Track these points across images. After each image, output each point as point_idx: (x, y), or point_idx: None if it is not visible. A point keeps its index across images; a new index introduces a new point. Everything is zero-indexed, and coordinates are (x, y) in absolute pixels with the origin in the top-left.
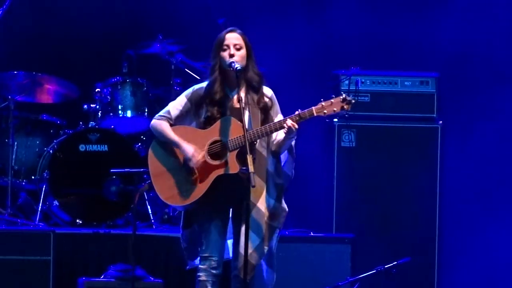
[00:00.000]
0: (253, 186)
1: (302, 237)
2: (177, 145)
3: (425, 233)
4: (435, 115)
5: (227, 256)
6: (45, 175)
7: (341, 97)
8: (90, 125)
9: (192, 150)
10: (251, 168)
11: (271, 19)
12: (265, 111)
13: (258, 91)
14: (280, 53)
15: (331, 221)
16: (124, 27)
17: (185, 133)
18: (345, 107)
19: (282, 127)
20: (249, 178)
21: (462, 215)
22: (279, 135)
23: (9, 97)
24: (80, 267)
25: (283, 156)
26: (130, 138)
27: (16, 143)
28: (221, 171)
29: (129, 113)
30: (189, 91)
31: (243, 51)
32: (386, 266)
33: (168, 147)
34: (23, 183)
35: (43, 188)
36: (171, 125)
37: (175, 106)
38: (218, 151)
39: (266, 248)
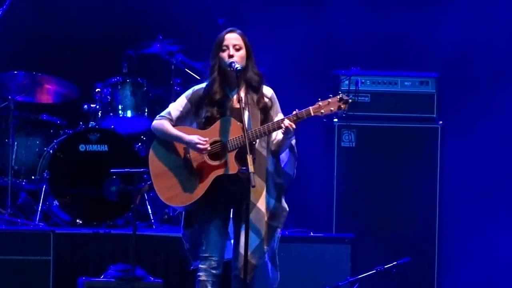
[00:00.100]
0: (253, 186)
1: (302, 237)
2: (180, 139)
3: (425, 233)
4: (435, 115)
5: (228, 257)
6: (45, 175)
7: (338, 97)
8: (90, 125)
9: (196, 139)
10: (251, 168)
11: (271, 19)
12: (265, 111)
13: (257, 91)
14: (280, 53)
15: (331, 221)
16: (124, 27)
17: (185, 133)
18: (342, 106)
19: (280, 127)
20: (249, 178)
21: (462, 215)
22: (279, 135)
23: (9, 97)
24: (80, 267)
25: (285, 156)
26: (130, 138)
27: (16, 143)
28: (220, 172)
29: (129, 113)
30: (189, 92)
31: (242, 52)
32: (386, 266)
33: (169, 147)
34: (23, 183)
35: (43, 188)
36: (172, 125)
37: (176, 107)
38: (217, 151)
39: (266, 248)
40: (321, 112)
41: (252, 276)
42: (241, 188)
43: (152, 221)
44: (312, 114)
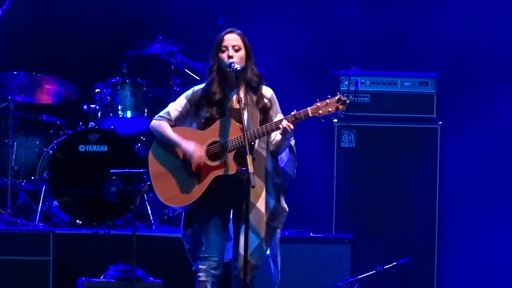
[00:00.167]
0: (253, 187)
1: (301, 238)
2: (177, 144)
3: (424, 233)
4: (434, 116)
5: (228, 257)
6: (44, 175)
7: (336, 98)
8: (89, 126)
9: (193, 146)
10: (250, 169)
11: (271, 19)
12: (264, 111)
13: (257, 91)
14: (280, 53)
15: (331, 222)
16: (124, 27)
17: (184, 134)
18: (340, 107)
19: (279, 128)
20: (248, 178)
21: (462, 215)
22: (278, 136)
23: (9, 97)
24: (80, 268)
25: (285, 156)
26: (130, 139)
27: (16, 143)
28: (219, 172)
29: (128, 114)
30: (188, 92)
31: (242, 52)
32: (385, 267)
33: (168, 148)
34: (23, 184)
35: (43, 189)
36: (171, 126)
37: (175, 107)
38: (216, 151)
39: (265, 248)
40: (319, 113)
41: (252, 277)
42: (241, 189)
43: (152, 221)
44: (310, 114)
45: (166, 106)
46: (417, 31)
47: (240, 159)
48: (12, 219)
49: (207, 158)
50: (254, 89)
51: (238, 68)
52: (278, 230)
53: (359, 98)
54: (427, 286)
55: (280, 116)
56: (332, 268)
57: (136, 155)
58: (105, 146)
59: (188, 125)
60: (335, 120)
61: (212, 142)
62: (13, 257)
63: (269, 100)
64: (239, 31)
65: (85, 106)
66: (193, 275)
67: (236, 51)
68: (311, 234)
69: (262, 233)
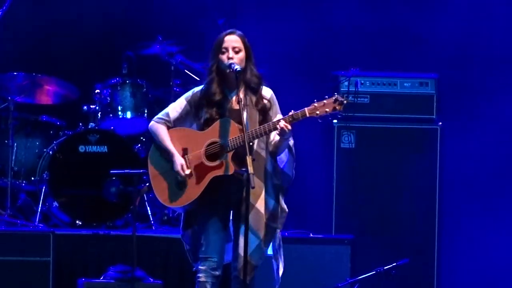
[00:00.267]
0: (253, 187)
1: (301, 238)
2: (169, 154)
3: (424, 234)
4: (434, 116)
5: (228, 259)
6: (44, 176)
7: (333, 98)
8: (89, 126)
9: (179, 163)
10: (250, 169)
11: (271, 19)
12: (263, 112)
13: (256, 92)
14: (280, 53)
15: (331, 222)
16: (124, 28)
17: (183, 135)
18: (337, 107)
19: (276, 128)
20: (248, 179)
21: (462, 215)
22: (277, 136)
23: (9, 98)
24: (79, 268)
25: (284, 156)
26: (130, 139)
27: (15, 144)
28: (218, 172)
29: (128, 114)
30: (188, 93)
31: (242, 54)
32: (385, 267)
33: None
34: (23, 184)
35: (43, 189)
36: (169, 127)
37: (175, 108)
38: (215, 152)
39: (265, 248)
40: (316, 113)
41: (252, 277)
42: (241, 189)
43: (152, 222)
44: (308, 115)
45: (166, 106)
46: (417, 31)
47: (239, 160)
48: (12, 220)
49: (206, 158)
50: (254, 90)
51: (238, 69)
52: (278, 231)
53: (359, 99)
54: (427, 286)
55: (279, 116)
56: (332, 269)
57: (136, 155)
58: (105, 146)
59: (188, 126)
60: (335, 121)
61: (211, 142)
62: (13, 257)
63: (269, 100)
64: (239, 32)
65: (85, 107)
66: (192, 275)
67: (236, 52)
68: (311, 235)
69: (262, 234)
